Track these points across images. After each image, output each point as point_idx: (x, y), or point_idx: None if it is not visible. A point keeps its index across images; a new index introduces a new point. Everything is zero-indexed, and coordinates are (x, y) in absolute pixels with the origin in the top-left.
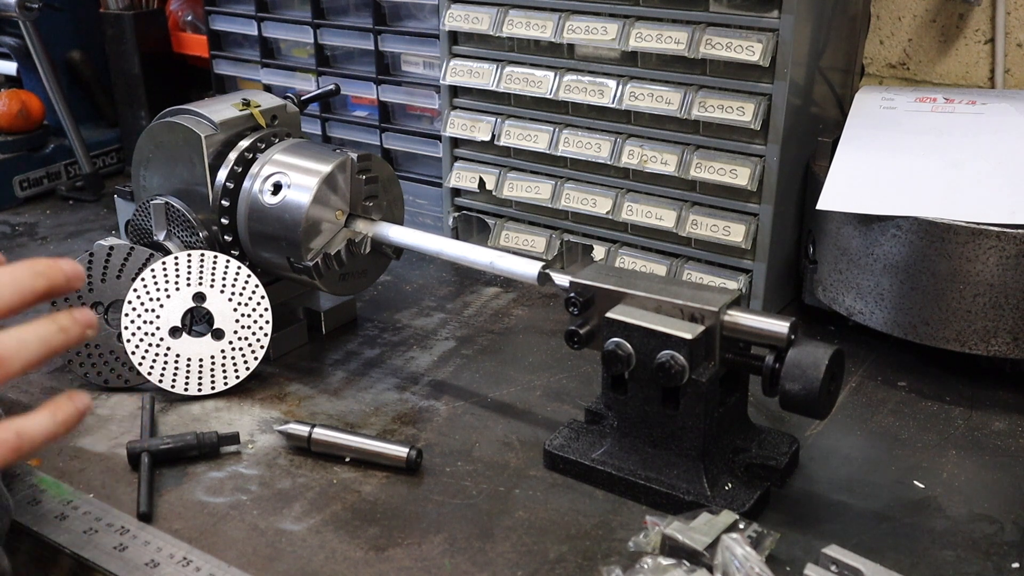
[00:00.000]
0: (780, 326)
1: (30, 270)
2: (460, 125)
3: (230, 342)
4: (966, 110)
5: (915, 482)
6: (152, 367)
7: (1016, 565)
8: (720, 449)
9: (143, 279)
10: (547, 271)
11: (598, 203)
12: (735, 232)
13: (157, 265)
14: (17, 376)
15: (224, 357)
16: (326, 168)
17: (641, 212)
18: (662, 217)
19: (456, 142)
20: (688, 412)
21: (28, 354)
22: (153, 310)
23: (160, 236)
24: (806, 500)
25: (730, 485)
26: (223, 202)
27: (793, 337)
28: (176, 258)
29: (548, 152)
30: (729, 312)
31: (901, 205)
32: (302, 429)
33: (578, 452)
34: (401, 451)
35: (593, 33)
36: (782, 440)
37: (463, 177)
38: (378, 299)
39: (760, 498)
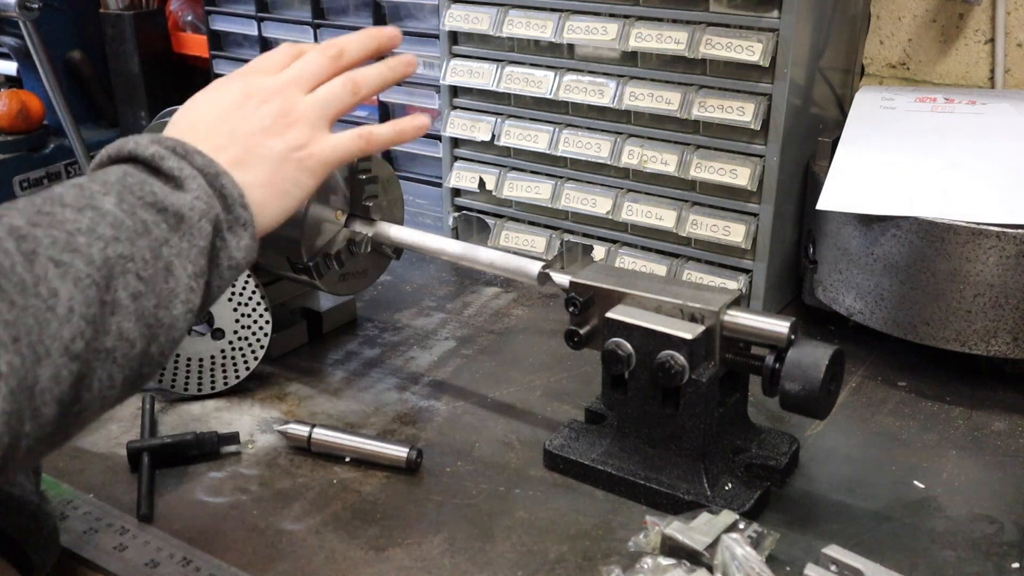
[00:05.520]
0: (780, 326)
1: (364, 33)
2: (460, 125)
3: (230, 342)
4: (966, 110)
5: (915, 482)
6: None
7: (1016, 565)
8: (720, 449)
9: None
10: (547, 271)
11: (598, 203)
12: (735, 232)
13: None
14: (365, 100)
15: (224, 357)
16: None
17: (641, 212)
18: (662, 217)
19: (456, 142)
20: (688, 412)
21: (371, 80)
22: None
23: None
24: (806, 500)
25: (730, 485)
26: None
27: (793, 337)
28: None
29: (548, 152)
30: (729, 312)
31: (901, 205)
32: (302, 429)
33: (578, 452)
34: (401, 451)
35: (593, 33)
36: (782, 440)
37: (463, 177)
38: (378, 299)
39: (760, 498)
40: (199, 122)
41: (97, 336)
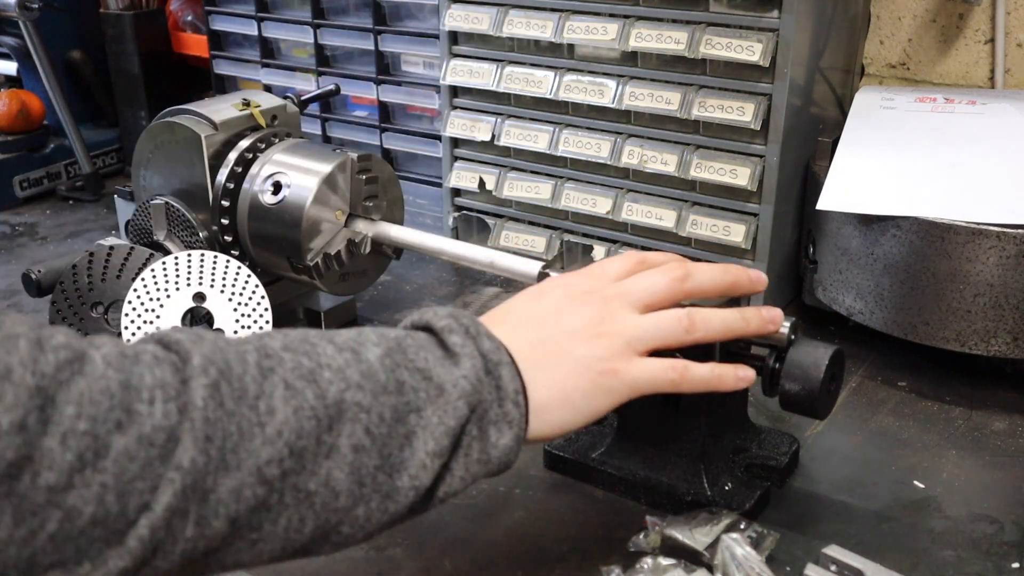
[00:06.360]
0: (781, 326)
1: (720, 266)
2: (460, 125)
3: None
4: (966, 110)
5: (915, 482)
6: None
7: (1016, 565)
8: (720, 449)
9: (143, 279)
10: (547, 271)
11: (598, 203)
12: (735, 232)
13: (157, 265)
14: (701, 342)
15: None
16: (326, 168)
17: (641, 212)
18: (662, 217)
19: (456, 142)
20: (688, 412)
21: (712, 327)
22: (153, 310)
23: (160, 236)
24: (806, 500)
25: (730, 485)
26: (223, 202)
27: (793, 337)
28: (176, 258)
29: (548, 152)
30: None
31: (901, 205)
32: None
33: (578, 452)
34: None
35: (593, 33)
36: (782, 440)
37: (463, 177)
38: (378, 299)
39: (760, 498)
40: (514, 309)
41: (300, 472)
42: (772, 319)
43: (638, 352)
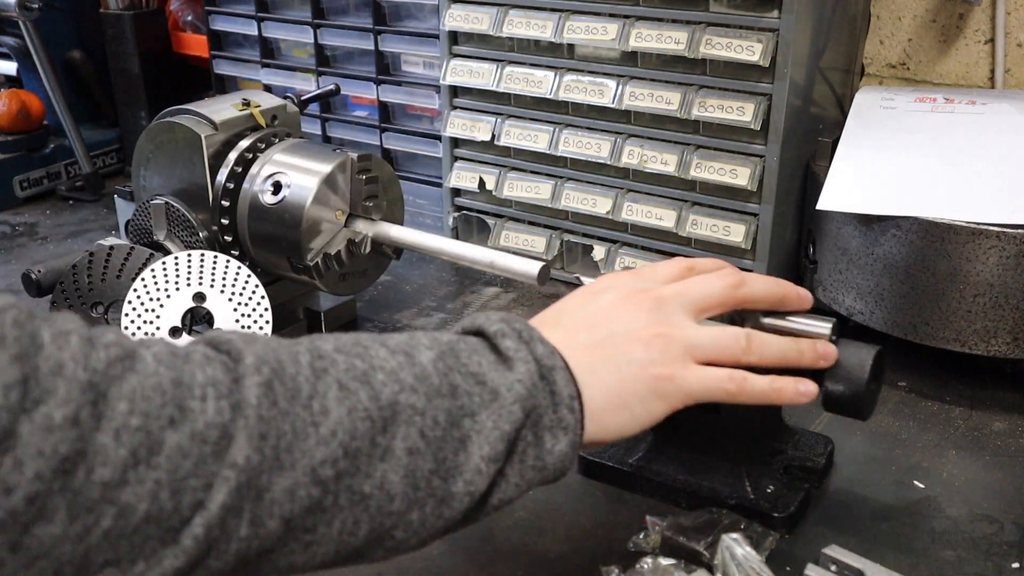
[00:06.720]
0: (822, 327)
1: (772, 279)
2: (460, 125)
3: None
4: (966, 110)
5: (915, 482)
6: None
7: (1016, 565)
8: (759, 452)
9: (143, 279)
10: (547, 270)
11: (598, 203)
12: (735, 232)
13: (157, 265)
14: (754, 366)
15: None
16: (326, 168)
17: (641, 212)
18: (662, 217)
19: (456, 142)
20: (730, 416)
21: (768, 353)
22: (153, 310)
23: (160, 236)
24: (806, 500)
25: (772, 488)
26: (223, 202)
27: (835, 338)
28: (176, 258)
29: (548, 152)
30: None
31: (901, 205)
32: None
33: (614, 458)
34: None
35: (593, 33)
36: (817, 441)
37: (463, 177)
38: (378, 299)
39: (803, 500)
40: (566, 311)
41: (355, 474)
42: (825, 355)
43: (695, 360)
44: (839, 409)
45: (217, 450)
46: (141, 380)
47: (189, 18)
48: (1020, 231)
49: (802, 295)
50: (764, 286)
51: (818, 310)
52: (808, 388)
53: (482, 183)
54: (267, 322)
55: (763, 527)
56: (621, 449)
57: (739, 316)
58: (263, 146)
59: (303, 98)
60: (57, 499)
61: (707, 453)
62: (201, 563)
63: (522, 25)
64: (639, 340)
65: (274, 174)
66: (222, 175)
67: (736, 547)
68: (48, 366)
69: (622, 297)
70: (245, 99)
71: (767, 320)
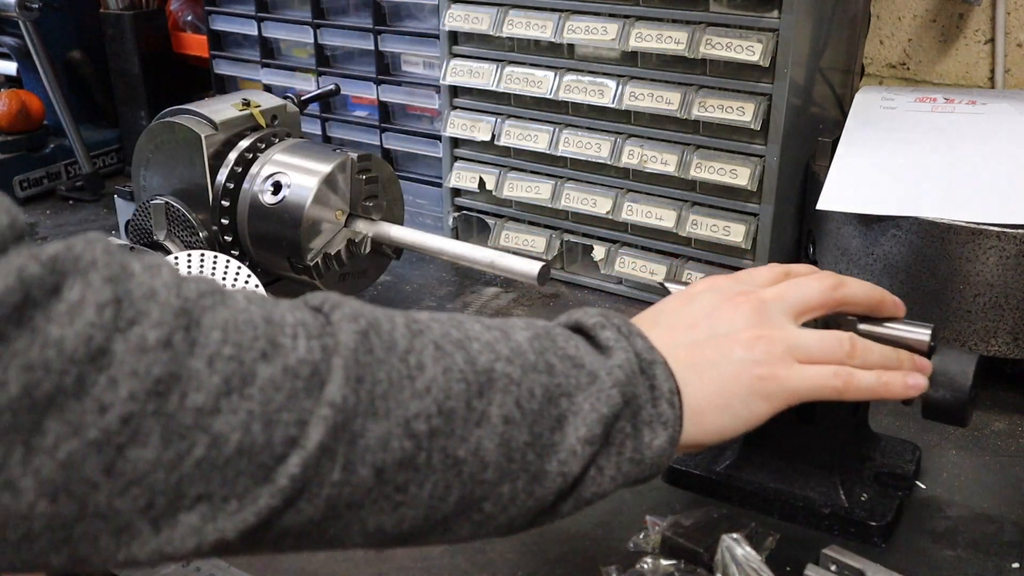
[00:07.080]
0: (922, 333)
1: (870, 285)
2: (460, 125)
3: None
4: (966, 110)
5: (915, 482)
6: None
7: (1016, 565)
8: (850, 459)
9: None
10: (547, 270)
11: (598, 203)
12: (735, 232)
13: None
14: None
15: None
16: (326, 168)
17: (641, 212)
18: (662, 217)
19: (456, 142)
20: (825, 424)
21: (871, 360)
22: None
23: (160, 236)
24: (901, 508)
25: (866, 496)
26: (223, 202)
27: (934, 344)
28: (176, 258)
29: (548, 152)
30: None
31: (901, 205)
32: None
33: (701, 466)
34: None
35: (593, 33)
36: (904, 447)
37: (463, 177)
38: (378, 299)
39: (899, 507)
40: (665, 312)
41: (450, 436)
42: (923, 367)
43: (798, 360)
44: (940, 416)
45: (310, 387)
46: (233, 313)
47: (189, 18)
48: (1020, 231)
49: (897, 302)
50: (863, 289)
51: None
52: (917, 381)
53: (482, 183)
54: None
55: (859, 537)
56: (707, 457)
57: (834, 322)
58: (263, 146)
59: (303, 98)
60: (151, 422)
61: (798, 461)
62: (292, 505)
63: (522, 25)
64: (741, 341)
65: (274, 174)
66: (222, 175)
67: (736, 547)
68: (141, 291)
69: (723, 299)
70: (245, 99)
71: (864, 326)
